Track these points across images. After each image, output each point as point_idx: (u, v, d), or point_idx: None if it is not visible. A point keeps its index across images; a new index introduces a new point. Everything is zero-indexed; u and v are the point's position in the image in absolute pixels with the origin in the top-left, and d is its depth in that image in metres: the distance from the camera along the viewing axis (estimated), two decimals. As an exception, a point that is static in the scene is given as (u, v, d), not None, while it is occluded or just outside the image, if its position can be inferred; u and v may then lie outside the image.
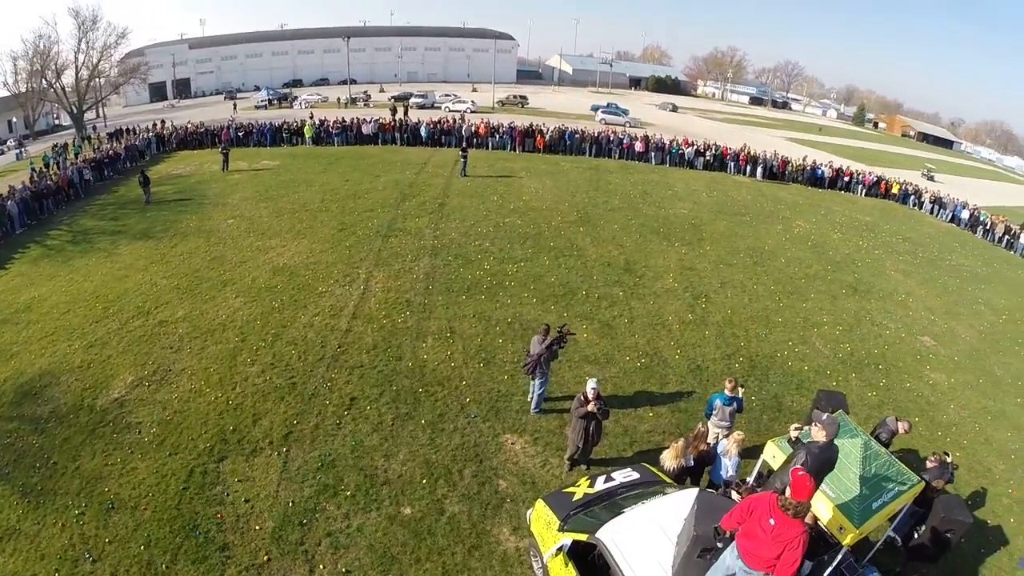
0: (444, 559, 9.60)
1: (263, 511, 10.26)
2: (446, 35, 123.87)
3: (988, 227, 43.58)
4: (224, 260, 20.49)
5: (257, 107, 68.19)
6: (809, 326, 20.27)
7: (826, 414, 8.32)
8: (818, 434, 7.74)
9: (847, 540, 7.84)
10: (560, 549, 8.43)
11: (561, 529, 8.71)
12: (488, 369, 14.89)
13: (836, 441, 7.89)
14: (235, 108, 60.38)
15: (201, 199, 27.88)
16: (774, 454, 9.16)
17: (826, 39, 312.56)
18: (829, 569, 8.00)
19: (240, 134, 41.53)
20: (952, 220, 45.92)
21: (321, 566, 9.41)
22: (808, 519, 7.05)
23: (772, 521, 6.23)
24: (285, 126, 43.12)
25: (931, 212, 47.48)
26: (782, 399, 15.42)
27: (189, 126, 43.33)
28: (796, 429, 8.91)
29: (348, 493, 10.71)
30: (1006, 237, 42.39)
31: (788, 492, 6.27)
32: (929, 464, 10.87)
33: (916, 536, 10.30)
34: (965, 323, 23.85)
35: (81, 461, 11.36)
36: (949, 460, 10.92)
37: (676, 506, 8.39)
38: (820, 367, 17.60)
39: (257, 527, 9.94)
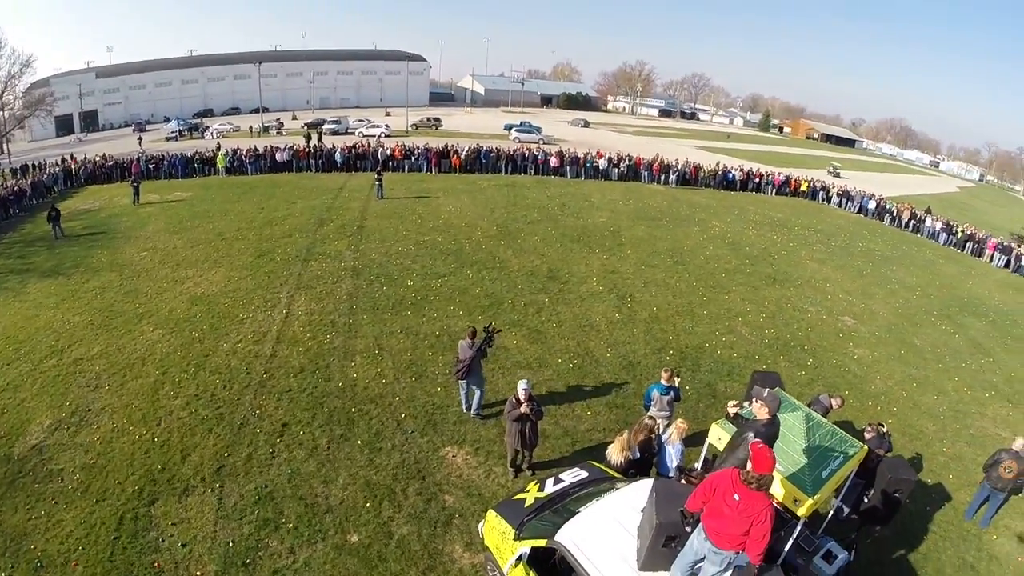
0: (399, 586, 9.31)
1: (202, 554, 9.64)
2: (358, 58, 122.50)
3: (895, 214, 46.26)
4: (139, 293, 19.75)
5: (168, 139, 65.88)
6: (733, 316, 21.18)
7: (767, 390, 8.42)
8: (760, 410, 7.86)
9: (803, 511, 7.95)
10: (519, 559, 8.22)
11: (517, 538, 8.55)
12: (420, 383, 14.77)
13: (778, 415, 8.01)
14: (140, 143, 57.90)
15: (112, 233, 26.84)
16: (719, 436, 9.35)
17: (731, 50, 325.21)
18: (789, 543, 8.12)
19: (151, 166, 40.22)
20: (860, 211, 48.83)
21: (272, 607, 9.00)
22: None
23: (737, 497, 6.21)
24: (197, 156, 41.93)
25: (839, 205, 50.48)
26: (715, 386, 15.97)
27: (98, 159, 41.65)
28: (734, 406, 9.10)
29: (290, 526, 10.20)
30: (912, 222, 45.32)
31: (749, 466, 6.24)
32: (867, 435, 11.36)
33: (866, 501, 10.70)
34: (881, 302, 25.53)
35: (2, 516, 10.46)
36: (884, 430, 11.39)
37: (631, 499, 8.38)
38: (748, 353, 18.41)
39: (198, 573, 9.34)
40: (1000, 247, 40.87)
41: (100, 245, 25.02)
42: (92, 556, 9.60)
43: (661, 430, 11.11)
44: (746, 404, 9.06)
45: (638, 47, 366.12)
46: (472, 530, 10.27)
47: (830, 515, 10.17)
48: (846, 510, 10.69)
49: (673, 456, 10.53)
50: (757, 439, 7.18)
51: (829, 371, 17.99)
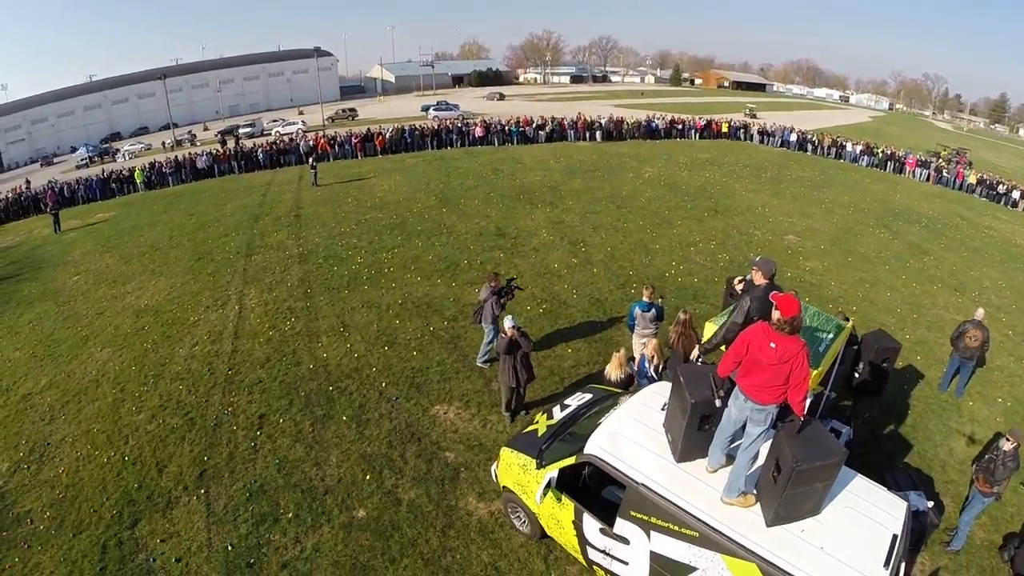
0: (420, 549, 8.93)
1: (200, 564, 8.94)
2: (263, 61, 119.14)
3: (816, 144, 48.37)
4: (79, 316, 18.62)
5: (78, 167, 62.76)
6: (685, 246, 21.71)
7: (759, 256, 8.51)
8: (756, 276, 7.95)
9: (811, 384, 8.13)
10: (548, 485, 7.94)
11: (540, 466, 8.37)
12: (394, 350, 14.40)
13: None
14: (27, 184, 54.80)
15: (39, 264, 25.35)
16: (715, 330, 9.33)
17: (636, 10, 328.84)
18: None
19: (67, 194, 38.11)
20: (782, 145, 50.91)
21: (289, 602, 8.55)
22: None
23: (773, 344, 6.10)
24: (113, 175, 40.06)
25: (761, 142, 52.24)
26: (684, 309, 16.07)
27: (10, 195, 39.06)
28: (739, 282, 9.35)
29: (290, 515, 9.63)
30: (834, 149, 47.32)
31: (776, 315, 6.10)
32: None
33: (857, 376, 11.00)
34: (820, 220, 26.97)
35: (-30, 577, 9.55)
36: (849, 321, 11.48)
37: (648, 401, 8.32)
38: (707, 277, 18.99)
39: (201, 584, 8.73)
40: (920, 163, 43.62)
41: (28, 278, 23.58)
42: (80, 595, 8.86)
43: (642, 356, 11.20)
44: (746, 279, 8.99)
45: (543, 18, 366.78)
46: (482, 480, 10.06)
47: (824, 399, 10.30)
48: (833, 395, 10.91)
49: (652, 374, 10.63)
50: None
51: (786, 283, 17.91)
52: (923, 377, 13.91)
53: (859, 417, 11.73)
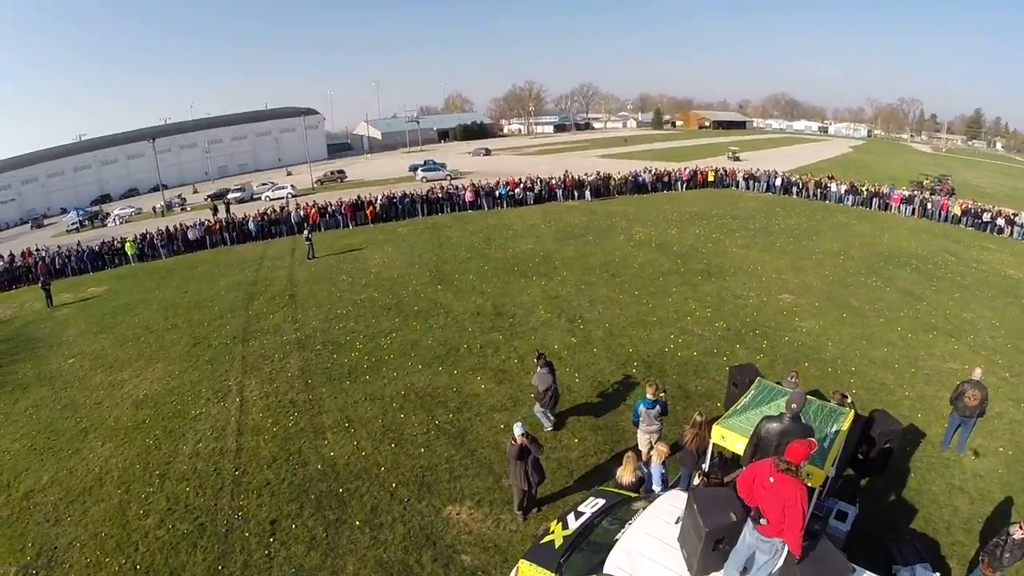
0: (446, 660, 8.87)
1: None
2: (250, 120, 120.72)
3: (801, 187, 49.04)
4: (77, 406, 18.48)
5: (68, 231, 63.08)
6: (682, 316, 21.83)
7: (796, 390, 8.97)
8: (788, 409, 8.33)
9: (817, 482, 8.66)
10: None
11: None
12: (401, 447, 14.39)
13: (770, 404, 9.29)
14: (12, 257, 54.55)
15: (33, 343, 25.16)
16: (722, 435, 9.72)
17: (615, 55, 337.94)
18: (810, 510, 8.55)
19: (57, 264, 38.02)
20: (768, 189, 51.27)
21: None
22: None
23: (772, 479, 6.59)
24: (105, 247, 40.01)
25: (747, 187, 52.80)
26: (686, 387, 16.52)
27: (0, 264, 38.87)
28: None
29: (314, 626, 9.57)
30: (818, 190, 48.03)
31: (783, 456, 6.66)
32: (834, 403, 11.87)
33: (860, 457, 11.36)
34: (812, 273, 27.25)
35: None
36: (849, 400, 11.92)
37: (663, 513, 8.47)
38: (706, 348, 19.06)
39: None
40: (904, 199, 44.29)
41: (23, 358, 23.42)
42: None
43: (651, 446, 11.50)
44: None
45: (524, 68, 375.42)
46: (499, 583, 10.02)
47: (828, 481, 10.51)
48: (833, 472, 11.18)
49: (657, 479, 10.82)
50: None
51: (784, 348, 18.85)
52: (924, 435, 14.20)
53: (864, 491, 11.97)
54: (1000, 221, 39.61)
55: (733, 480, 8.06)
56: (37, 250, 42.25)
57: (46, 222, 77.15)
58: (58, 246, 43.93)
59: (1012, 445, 13.84)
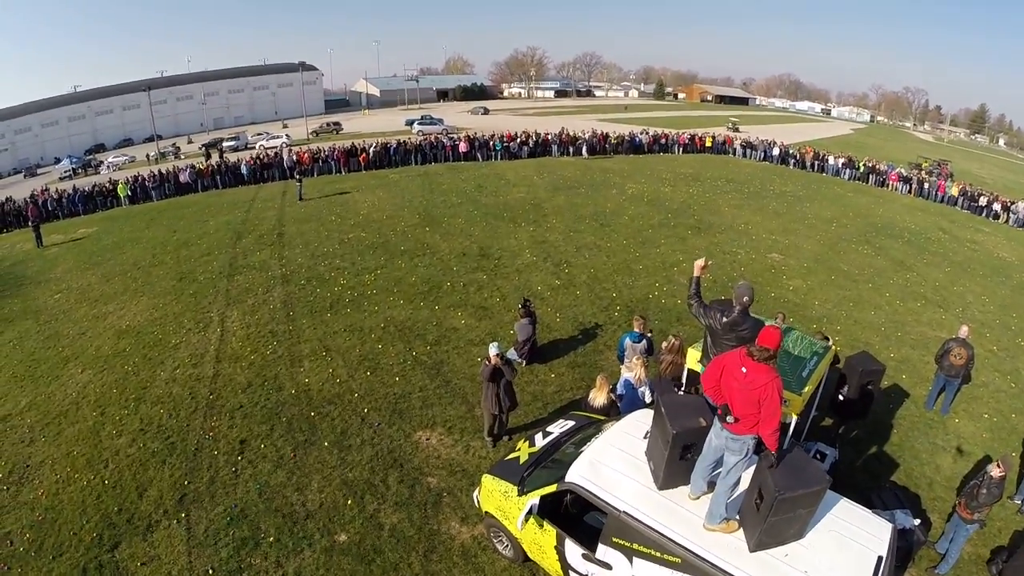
0: (402, 573, 8.98)
1: None
2: (248, 74, 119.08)
3: (799, 157, 48.75)
4: (60, 336, 18.48)
5: (61, 179, 62.37)
6: (668, 266, 21.76)
7: (741, 281, 8.73)
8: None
9: (794, 410, 8.57)
10: (530, 512, 8.08)
11: (521, 493, 8.46)
12: (377, 376, 14.41)
13: None
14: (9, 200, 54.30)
15: (20, 280, 25.06)
16: (697, 357, 9.61)
17: (619, 26, 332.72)
18: (785, 441, 8.20)
19: (49, 207, 37.68)
20: (765, 158, 51.08)
21: (272, 625, 8.53)
22: None
23: (744, 369, 6.14)
24: (96, 189, 39.73)
25: (744, 155, 52.57)
26: (667, 333, 16.11)
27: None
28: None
29: (271, 539, 9.66)
30: (816, 162, 47.70)
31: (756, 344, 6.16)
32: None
33: (841, 398, 11.31)
34: (803, 236, 26.96)
35: (-50, 600, 9.47)
36: (830, 342, 11.69)
37: (630, 430, 8.45)
38: None
39: (182, 608, 8.70)
40: (901, 177, 43.91)
41: (9, 294, 23.37)
42: (60, 618, 8.81)
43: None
44: None
45: (527, 34, 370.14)
46: (464, 505, 10.12)
47: (809, 420, 10.46)
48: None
49: (647, 396, 10.76)
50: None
51: (769, 303, 18.65)
52: (908, 396, 14.11)
53: (844, 438, 11.93)
54: (996, 206, 39.23)
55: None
56: (45, 190, 41.89)
57: (39, 171, 76.52)
58: (52, 189, 43.60)
59: (996, 412, 13.78)
